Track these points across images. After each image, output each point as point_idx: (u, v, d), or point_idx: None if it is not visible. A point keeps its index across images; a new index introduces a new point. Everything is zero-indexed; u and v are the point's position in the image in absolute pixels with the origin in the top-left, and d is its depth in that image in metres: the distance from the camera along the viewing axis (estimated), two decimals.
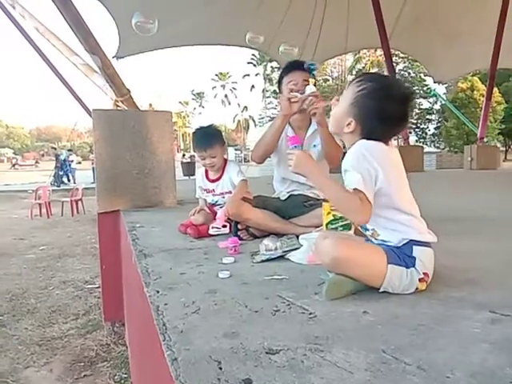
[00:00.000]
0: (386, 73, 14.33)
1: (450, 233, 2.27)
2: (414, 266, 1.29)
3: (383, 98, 1.33)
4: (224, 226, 2.10)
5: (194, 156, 20.66)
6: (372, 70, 44.60)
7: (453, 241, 2.08)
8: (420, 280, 1.30)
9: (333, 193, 1.33)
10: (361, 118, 1.36)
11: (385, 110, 1.33)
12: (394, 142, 1.48)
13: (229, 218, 2.21)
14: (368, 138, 1.33)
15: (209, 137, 2.51)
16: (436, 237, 1.37)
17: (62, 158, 19.61)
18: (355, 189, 1.26)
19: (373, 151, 1.29)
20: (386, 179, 1.27)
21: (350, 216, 1.34)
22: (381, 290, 1.30)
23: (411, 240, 1.31)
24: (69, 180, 19.64)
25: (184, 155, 24.61)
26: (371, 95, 1.34)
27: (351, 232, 1.71)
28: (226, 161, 2.57)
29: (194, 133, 2.65)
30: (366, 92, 1.35)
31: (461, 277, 1.48)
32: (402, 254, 1.30)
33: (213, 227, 2.10)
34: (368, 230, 1.39)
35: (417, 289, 1.31)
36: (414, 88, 44.50)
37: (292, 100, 2.16)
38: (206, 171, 2.60)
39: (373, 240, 1.39)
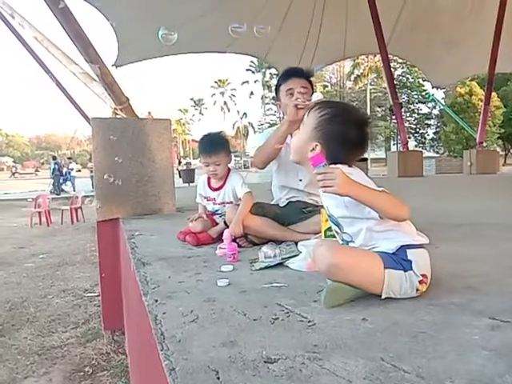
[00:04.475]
0: (384, 78, 14.39)
1: (450, 238, 2.27)
2: (411, 268, 1.29)
3: (344, 122, 1.41)
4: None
5: (189, 163, 20.66)
6: (370, 76, 44.91)
7: (453, 246, 2.08)
8: (420, 282, 1.31)
9: (383, 199, 1.28)
10: (325, 141, 1.41)
11: (346, 133, 1.39)
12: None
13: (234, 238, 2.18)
14: (333, 163, 1.36)
15: (215, 143, 2.48)
16: (427, 238, 1.37)
17: (53, 166, 19.23)
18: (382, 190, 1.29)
19: (349, 172, 1.32)
20: None
21: (402, 213, 1.29)
22: (383, 296, 1.29)
23: (403, 245, 1.31)
24: (60, 184, 19.32)
25: (180, 163, 24.45)
26: (333, 119, 1.41)
27: None
28: (229, 170, 2.53)
29: (201, 138, 2.59)
30: (328, 117, 1.42)
31: (461, 283, 1.48)
32: (398, 259, 1.30)
33: (220, 248, 2.09)
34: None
35: (418, 290, 1.31)
36: (413, 93, 44.82)
37: (299, 106, 2.16)
38: (209, 179, 2.56)
39: None
